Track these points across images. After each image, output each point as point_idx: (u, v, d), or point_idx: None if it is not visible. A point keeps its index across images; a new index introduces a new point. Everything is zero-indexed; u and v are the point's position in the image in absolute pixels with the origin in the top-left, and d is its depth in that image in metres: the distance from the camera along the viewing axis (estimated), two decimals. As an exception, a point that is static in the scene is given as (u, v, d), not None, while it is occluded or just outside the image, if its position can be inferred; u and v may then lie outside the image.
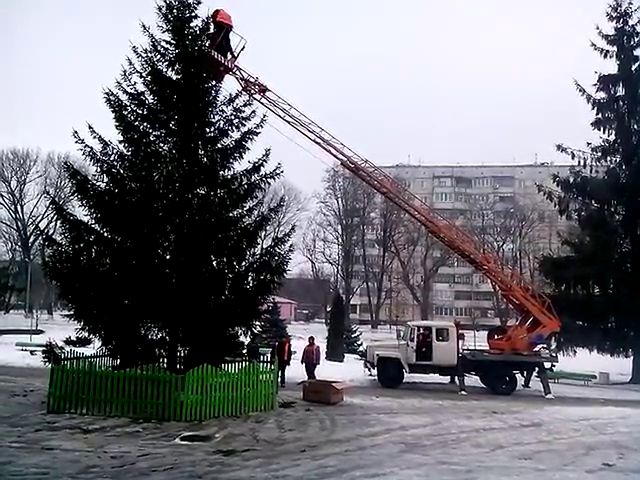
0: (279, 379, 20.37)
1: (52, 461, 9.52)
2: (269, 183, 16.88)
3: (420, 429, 13.67)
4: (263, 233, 18.30)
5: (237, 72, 19.79)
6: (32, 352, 26.71)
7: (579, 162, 30.92)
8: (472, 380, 23.57)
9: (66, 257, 14.89)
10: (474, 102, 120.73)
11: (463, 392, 21.96)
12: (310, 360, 21.35)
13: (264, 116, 16.92)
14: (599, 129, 30.90)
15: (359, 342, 36.63)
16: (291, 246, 17.03)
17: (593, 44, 31.11)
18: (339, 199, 78.59)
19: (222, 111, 16.64)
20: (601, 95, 31.11)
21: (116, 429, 12.17)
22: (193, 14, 16.38)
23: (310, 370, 21.11)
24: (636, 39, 30.84)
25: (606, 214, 30.84)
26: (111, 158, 15.54)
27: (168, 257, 15.72)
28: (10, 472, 8.86)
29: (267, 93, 20.58)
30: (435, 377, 23.91)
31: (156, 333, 15.41)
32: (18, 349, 28.45)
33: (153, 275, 14.71)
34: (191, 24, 16.39)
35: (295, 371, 21.39)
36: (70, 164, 16.60)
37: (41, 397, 14.81)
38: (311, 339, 22.41)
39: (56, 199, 27.77)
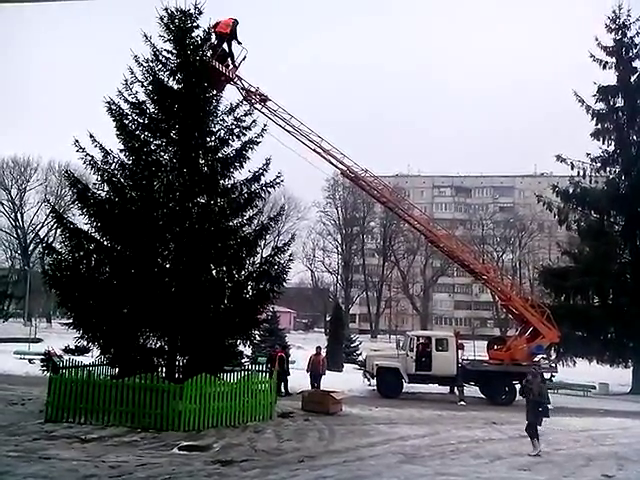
0: (282, 389, 20.40)
1: (50, 470, 9.50)
2: (269, 192, 16.99)
3: (419, 439, 13.64)
4: (263, 242, 18.36)
5: (238, 82, 19.86)
6: (30, 360, 26.65)
7: (579, 173, 31.03)
8: (471, 390, 23.49)
9: (66, 265, 14.92)
10: (474, 112, 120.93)
11: (462, 402, 21.88)
12: (317, 370, 21.28)
13: (265, 125, 17.05)
14: (598, 140, 31.04)
15: (358, 352, 36.55)
16: (291, 255, 17.11)
17: (592, 55, 31.33)
18: (339, 208, 78.75)
19: (223, 120, 16.75)
20: (600, 106, 31.28)
21: (114, 438, 12.15)
22: (194, 24, 16.53)
23: (316, 380, 21.03)
24: (634, 50, 31.03)
25: (605, 224, 30.90)
26: (112, 167, 15.62)
27: (168, 266, 15.75)
28: (7, 481, 8.85)
29: (268, 103, 20.63)
30: (434, 387, 23.82)
31: (155, 342, 15.41)
32: (16, 357, 28.35)
33: (152, 284, 14.72)
34: (192, 34, 16.54)
35: (297, 381, 21.29)
36: (71, 172, 16.68)
37: (39, 406, 14.78)
38: (318, 349, 22.39)
39: (56, 207, 27.90)
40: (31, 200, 70.02)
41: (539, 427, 12.50)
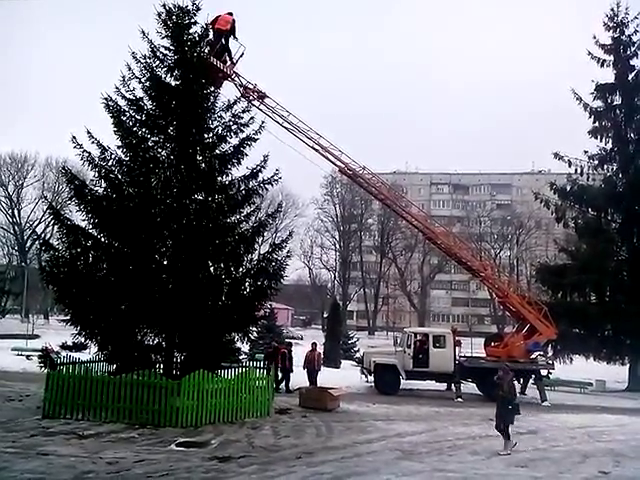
0: (283, 386, 20.45)
1: (47, 467, 9.49)
2: (267, 189, 16.94)
3: (416, 436, 13.66)
4: (260, 239, 18.28)
5: (236, 78, 19.84)
6: (28, 357, 26.63)
7: (576, 170, 31.11)
8: (469, 387, 23.54)
9: (63, 262, 14.87)
10: (472, 109, 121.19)
11: (459, 399, 21.93)
12: (312, 366, 21.35)
13: (262, 122, 16.97)
14: (596, 137, 31.11)
15: (356, 348, 36.65)
16: (288, 252, 17.09)
17: (590, 53, 31.38)
18: (337, 205, 78.76)
19: (220, 117, 16.69)
20: (598, 104, 31.35)
21: (112, 435, 12.13)
22: (192, 20, 16.45)
23: (312, 376, 21.10)
24: (632, 48, 31.09)
25: (603, 222, 30.96)
26: (109, 163, 15.57)
27: (165, 262, 15.71)
28: (5, 478, 8.84)
29: (265, 99, 20.63)
30: (432, 384, 23.87)
31: (152, 339, 15.37)
32: (14, 354, 28.33)
33: (150, 280, 14.70)
34: (190, 30, 16.47)
35: (294, 378, 21.32)
36: (68, 169, 16.60)
37: (37, 402, 14.76)
38: (313, 345, 22.44)
39: (53, 204, 27.85)
40: (28, 196, 69.95)
41: (511, 426, 12.32)
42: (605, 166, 31.14)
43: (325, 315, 58.95)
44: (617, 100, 31.05)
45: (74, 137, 14.98)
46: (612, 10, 31.31)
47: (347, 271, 78.07)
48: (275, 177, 16.46)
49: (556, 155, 31.20)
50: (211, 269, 15.99)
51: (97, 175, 15.41)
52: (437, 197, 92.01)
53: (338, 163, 23.43)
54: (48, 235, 42.99)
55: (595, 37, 31.29)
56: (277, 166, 16.44)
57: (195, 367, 13.99)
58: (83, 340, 15.53)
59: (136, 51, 15.93)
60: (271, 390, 16.09)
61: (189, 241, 15.09)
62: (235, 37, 19.08)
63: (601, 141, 31.00)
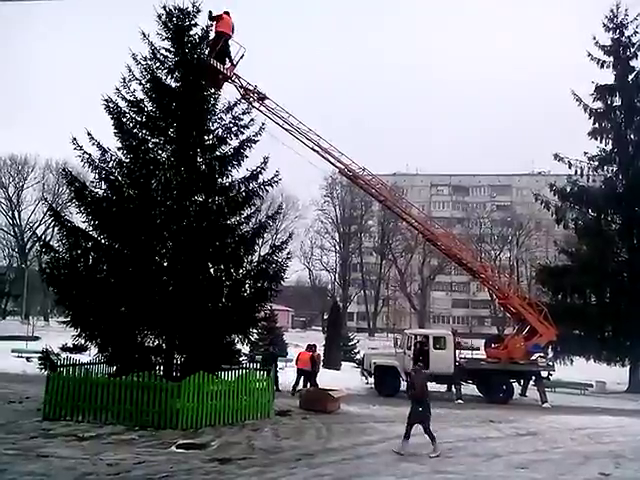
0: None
1: (47, 468, 9.49)
2: (267, 191, 16.94)
3: (417, 438, 13.62)
4: (261, 241, 18.32)
5: (236, 80, 19.83)
6: (28, 359, 26.60)
7: (576, 171, 31.16)
8: (469, 389, 23.54)
9: (63, 264, 14.89)
10: (472, 111, 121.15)
11: (460, 401, 21.94)
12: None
13: (263, 124, 16.98)
14: (596, 139, 31.16)
15: (356, 350, 36.63)
16: (289, 254, 17.14)
17: (590, 54, 31.43)
18: (337, 207, 78.75)
19: (221, 119, 16.72)
20: (598, 105, 31.42)
21: (112, 436, 12.13)
22: (192, 22, 16.51)
23: (310, 378, 21.09)
24: (632, 50, 31.14)
25: (603, 223, 30.99)
26: (109, 165, 15.58)
27: (165, 264, 15.72)
28: (5, 480, 8.85)
29: (266, 101, 20.62)
30: (432, 385, 23.78)
31: (153, 340, 15.35)
32: (14, 356, 28.32)
33: (150, 282, 14.70)
34: (190, 32, 16.52)
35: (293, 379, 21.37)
36: (68, 170, 16.59)
37: (37, 404, 14.75)
38: (313, 347, 22.44)
39: (54, 205, 27.76)
40: (28, 198, 69.94)
41: (431, 428, 12.08)
42: (605, 167, 31.17)
43: (325, 317, 58.94)
44: (617, 101, 31.12)
45: (74, 139, 14.99)
46: (612, 11, 31.43)
47: (347, 273, 78.06)
48: (275, 179, 16.48)
49: (556, 156, 31.26)
50: (211, 271, 16.00)
51: (97, 177, 15.43)
52: (437, 198, 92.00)
53: (338, 164, 23.43)
54: (48, 237, 43.07)
55: (595, 38, 31.41)
56: (277, 168, 16.48)
57: (195, 369, 13.97)
58: (83, 342, 15.49)
59: (136, 53, 16.00)
60: (271, 392, 16.09)
61: (189, 243, 15.09)
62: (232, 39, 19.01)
63: (601, 142, 31.09)
